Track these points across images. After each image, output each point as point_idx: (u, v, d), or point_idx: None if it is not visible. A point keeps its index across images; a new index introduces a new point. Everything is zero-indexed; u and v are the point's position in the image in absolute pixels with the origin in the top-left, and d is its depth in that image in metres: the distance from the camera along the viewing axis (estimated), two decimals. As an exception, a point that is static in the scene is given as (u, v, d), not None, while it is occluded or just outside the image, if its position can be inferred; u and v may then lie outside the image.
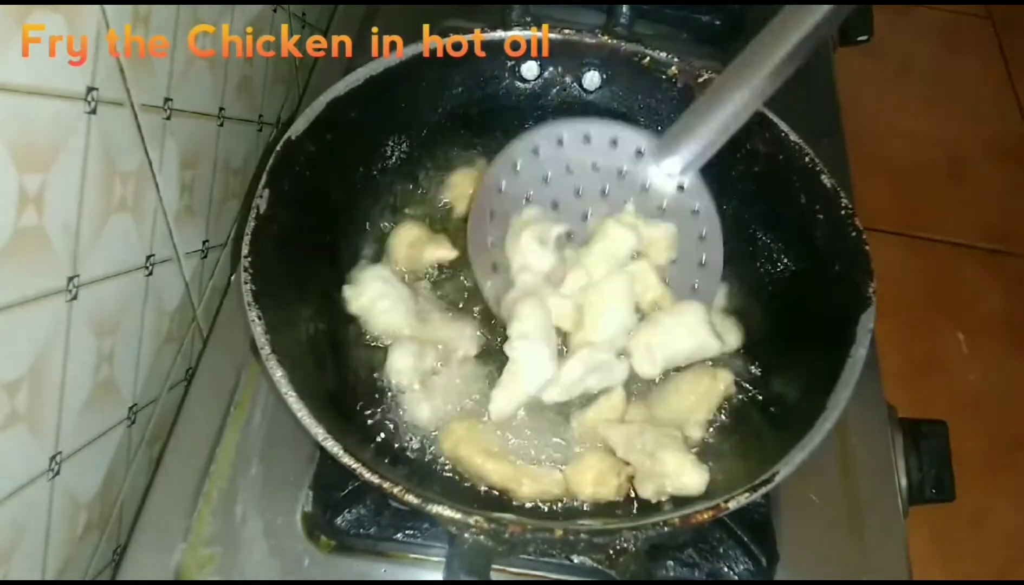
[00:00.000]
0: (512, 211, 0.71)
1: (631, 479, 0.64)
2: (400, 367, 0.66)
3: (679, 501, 0.62)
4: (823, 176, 0.70)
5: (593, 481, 0.63)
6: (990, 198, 2.04)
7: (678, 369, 0.69)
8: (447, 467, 0.65)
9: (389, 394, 0.67)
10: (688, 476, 0.61)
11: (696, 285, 0.71)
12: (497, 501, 0.63)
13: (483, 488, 0.64)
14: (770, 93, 0.67)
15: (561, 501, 0.64)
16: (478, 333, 0.71)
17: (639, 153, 0.73)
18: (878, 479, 0.74)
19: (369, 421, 0.66)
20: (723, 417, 0.68)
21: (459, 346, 0.70)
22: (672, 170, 0.72)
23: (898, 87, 2.20)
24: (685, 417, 0.67)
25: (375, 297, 0.70)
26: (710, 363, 0.70)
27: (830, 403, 0.58)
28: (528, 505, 0.63)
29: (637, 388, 0.69)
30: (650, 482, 0.62)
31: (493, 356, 0.70)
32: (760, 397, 0.69)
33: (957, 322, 1.83)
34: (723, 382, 0.68)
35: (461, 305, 0.73)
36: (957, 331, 1.82)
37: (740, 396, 0.69)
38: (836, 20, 0.64)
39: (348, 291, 0.70)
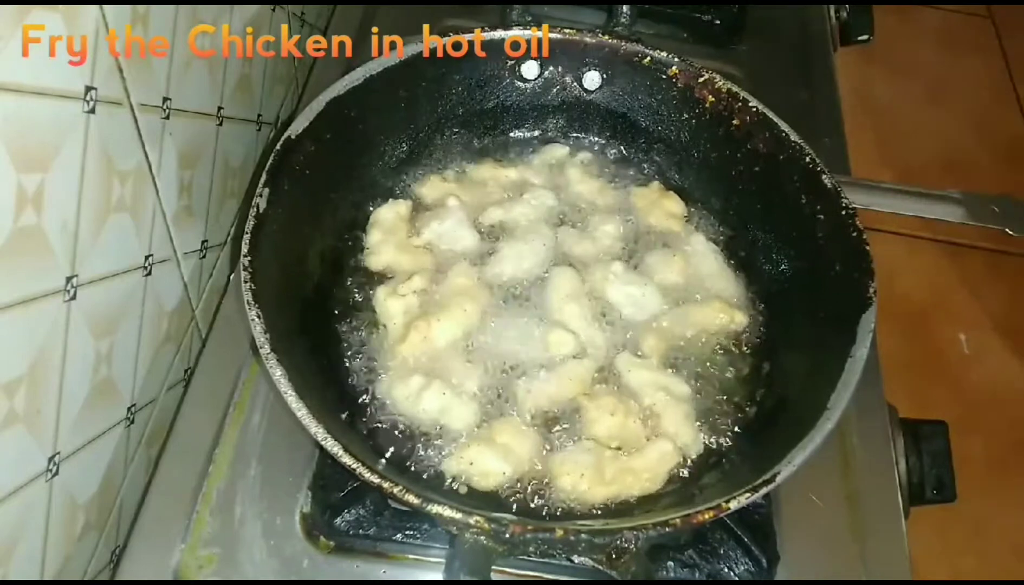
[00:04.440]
0: None
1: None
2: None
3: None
4: (824, 176, 0.70)
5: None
6: (990, 198, 2.04)
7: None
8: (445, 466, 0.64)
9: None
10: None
11: None
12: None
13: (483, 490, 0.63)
14: None
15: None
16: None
17: None
18: (879, 479, 0.73)
19: (368, 421, 0.65)
20: (726, 417, 0.68)
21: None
22: None
23: (898, 87, 2.20)
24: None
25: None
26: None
27: (831, 403, 0.57)
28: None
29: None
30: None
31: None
32: (761, 396, 0.69)
33: (958, 322, 1.82)
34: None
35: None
36: (958, 331, 1.81)
37: (741, 395, 0.69)
38: None
39: None
